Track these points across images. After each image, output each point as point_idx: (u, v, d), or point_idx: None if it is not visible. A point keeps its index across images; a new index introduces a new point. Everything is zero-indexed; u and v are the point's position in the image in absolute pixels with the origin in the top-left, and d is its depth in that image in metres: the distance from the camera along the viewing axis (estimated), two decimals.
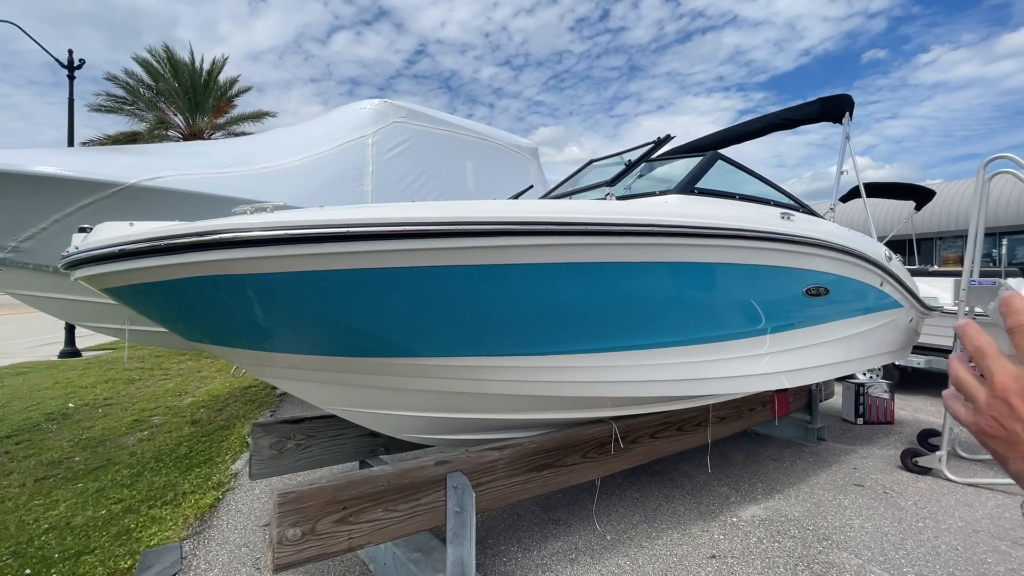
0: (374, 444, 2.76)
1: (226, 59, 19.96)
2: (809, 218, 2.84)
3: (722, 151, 2.74)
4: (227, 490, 3.38)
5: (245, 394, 6.49)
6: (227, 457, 4.06)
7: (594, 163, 3.33)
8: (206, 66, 19.03)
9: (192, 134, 19.04)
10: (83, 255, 1.57)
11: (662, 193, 2.34)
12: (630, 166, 2.59)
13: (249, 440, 2.50)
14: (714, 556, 2.58)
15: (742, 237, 2.20)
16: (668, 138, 2.65)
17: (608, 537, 2.77)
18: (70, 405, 6.38)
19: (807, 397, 4.30)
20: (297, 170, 4.64)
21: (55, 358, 10.06)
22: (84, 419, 5.70)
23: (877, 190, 6.55)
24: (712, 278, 2.26)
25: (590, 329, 2.18)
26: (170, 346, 5.49)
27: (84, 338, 11.26)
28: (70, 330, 10.18)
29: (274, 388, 6.66)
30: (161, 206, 3.61)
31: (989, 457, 3.91)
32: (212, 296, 1.72)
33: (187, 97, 18.14)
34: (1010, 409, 0.45)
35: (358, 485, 1.78)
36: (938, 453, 3.62)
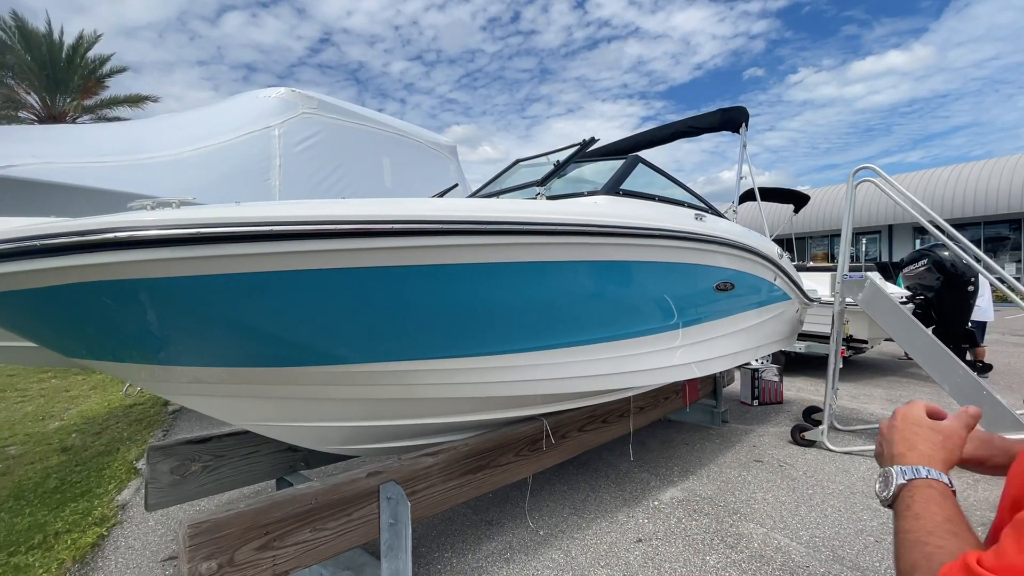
0: (292, 459, 2.55)
1: (99, 36, 17.61)
2: (717, 219, 3.09)
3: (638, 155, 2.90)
4: (113, 525, 2.95)
5: (129, 413, 5.74)
6: (110, 487, 3.56)
7: (520, 163, 3.36)
8: (70, 40, 16.63)
9: (51, 116, 16.49)
10: None
11: (591, 194, 2.41)
12: (559, 166, 2.64)
13: (141, 466, 2.20)
14: (640, 540, 2.70)
15: (665, 236, 2.33)
16: (593, 141, 2.74)
17: (541, 532, 2.80)
18: None
19: (712, 384, 4.67)
20: (191, 161, 4.17)
21: None
22: None
23: (765, 194, 7.30)
24: (634, 276, 2.37)
25: (522, 329, 2.19)
26: (29, 363, 4.71)
27: None
28: None
29: (166, 403, 5.96)
30: (19, 199, 3.07)
31: (860, 428, 4.56)
32: (100, 305, 1.48)
33: (44, 74, 15.69)
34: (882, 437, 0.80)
35: (282, 506, 1.63)
36: (820, 427, 4.11)
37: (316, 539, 1.72)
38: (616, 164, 2.69)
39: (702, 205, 3.11)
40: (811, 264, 9.21)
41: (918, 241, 21.11)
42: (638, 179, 2.68)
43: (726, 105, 4.23)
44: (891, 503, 0.69)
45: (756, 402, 5.57)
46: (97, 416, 5.71)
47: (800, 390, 6.32)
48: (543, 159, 3.01)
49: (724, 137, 4.33)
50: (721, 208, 4.10)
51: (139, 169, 3.67)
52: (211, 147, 4.42)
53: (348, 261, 1.61)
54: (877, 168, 3.80)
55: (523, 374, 2.26)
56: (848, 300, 4.19)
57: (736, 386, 5.78)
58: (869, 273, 4.10)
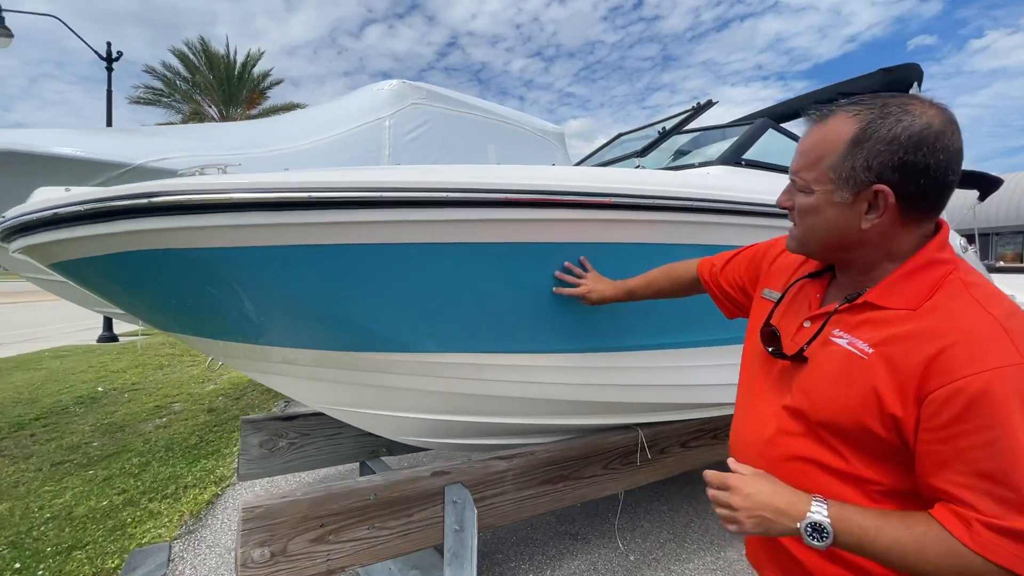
0: (375, 444, 2.53)
1: (262, 53, 20.24)
2: None
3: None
4: (227, 485, 3.23)
5: None
6: (234, 449, 3.94)
7: (623, 136, 2.99)
8: (240, 59, 19.37)
9: None
10: (11, 223, 1.36)
11: (702, 164, 2.01)
12: (664, 135, 2.25)
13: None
14: None
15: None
16: (710, 104, 2.30)
17: (632, 558, 2.47)
18: (99, 389, 6.47)
19: None
20: (310, 153, 4.46)
21: (93, 343, 10.36)
22: (110, 404, 5.75)
23: None
24: None
25: (619, 323, 1.89)
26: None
27: (124, 323, 11.59)
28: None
29: None
30: None
31: None
32: (182, 278, 1.50)
33: (221, 89, 18.46)
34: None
35: (339, 499, 1.55)
36: None
37: (374, 537, 1.61)
38: (739, 131, 2.23)
39: None
40: (1000, 264, 7.39)
41: None
42: (768, 147, 2.19)
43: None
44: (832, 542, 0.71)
45: None
46: (241, 383, 6.50)
47: None
48: (650, 130, 2.62)
49: None
50: None
51: (262, 161, 3.98)
52: (328, 139, 4.70)
53: (434, 235, 1.48)
54: None
55: (622, 377, 1.96)
56: None
57: None
58: None
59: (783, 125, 2.80)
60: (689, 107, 2.36)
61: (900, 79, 3.31)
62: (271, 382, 1.92)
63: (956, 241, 2.82)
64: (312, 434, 2.39)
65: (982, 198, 6.57)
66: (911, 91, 3.26)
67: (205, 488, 3.17)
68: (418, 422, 2.08)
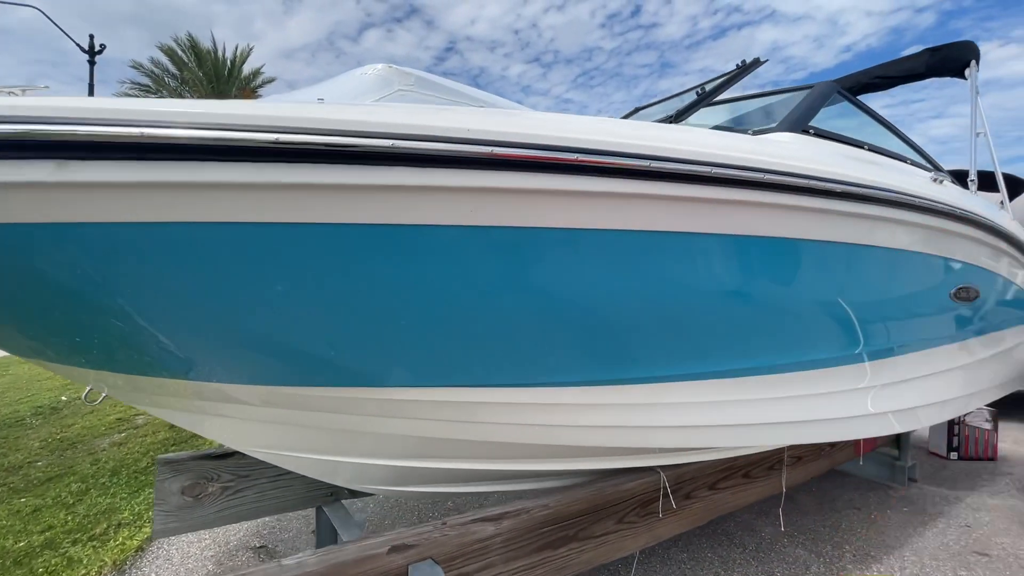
0: (332, 486, 2.06)
1: (251, 48, 19.82)
2: (959, 188, 2.02)
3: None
4: None
5: None
6: None
7: (640, 111, 2.56)
8: (229, 55, 18.89)
9: None
10: None
11: (759, 132, 1.56)
12: (703, 96, 1.81)
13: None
14: None
15: (896, 204, 1.40)
16: (758, 62, 1.86)
17: None
18: (63, 398, 5.99)
19: None
20: None
21: None
22: (70, 415, 5.28)
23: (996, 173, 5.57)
24: (836, 267, 1.48)
25: (633, 347, 1.45)
26: None
27: None
28: None
29: None
30: None
31: None
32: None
33: (211, 86, 17.97)
34: None
35: None
36: None
37: None
38: (798, 96, 1.78)
39: (930, 165, 2.05)
40: None
41: None
42: (833, 120, 1.75)
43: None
44: None
45: (955, 455, 4.11)
46: None
47: (1018, 443, 4.63)
48: (676, 100, 2.16)
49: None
50: None
51: None
52: None
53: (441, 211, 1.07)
54: None
55: (629, 417, 1.51)
56: None
57: (923, 431, 4.35)
58: None
59: None
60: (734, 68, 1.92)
61: (952, 59, 2.89)
62: (186, 422, 1.47)
63: None
64: (253, 475, 1.92)
65: (1010, 198, 6.16)
66: (967, 72, 2.84)
67: (139, 529, 2.68)
68: (384, 469, 1.63)
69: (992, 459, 4.11)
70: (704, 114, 2.12)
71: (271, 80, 20.83)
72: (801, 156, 1.32)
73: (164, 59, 17.38)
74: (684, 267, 1.38)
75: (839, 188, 1.28)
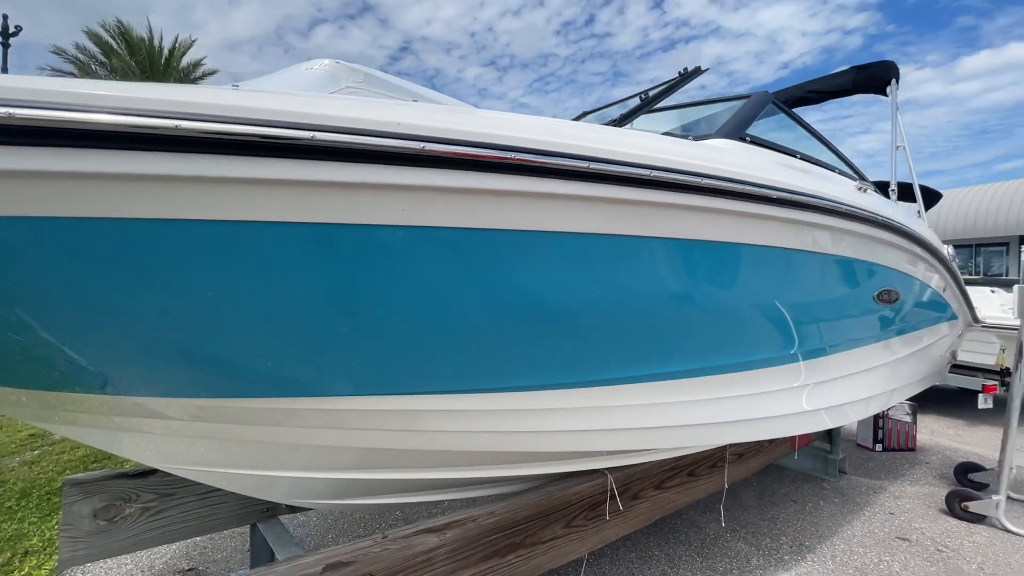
0: (268, 502, 1.94)
1: (193, 41, 18.76)
2: (881, 197, 2.15)
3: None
4: None
5: None
6: None
7: (588, 115, 2.58)
8: (168, 45, 17.80)
9: None
10: None
11: (699, 137, 1.60)
12: (646, 102, 1.84)
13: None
14: None
15: (824, 211, 1.47)
16: (699, 71, 1.91)
17: None
18: None
19: None
20: None
21: None
22: None
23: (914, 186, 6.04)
24: (771, 271, 1.53)
25: (571, 352, 1.44)
26: None
27: None
28: None
29: None
30: None
31: None
32: None
33: (144, 76, 16.85)
34: None
35: None
36: (995, 498, 2.97)
37: None
38: (735, 104, 1.84)
39: (855, 175, 2.18)
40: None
41: None
42: (768, 129, 1.83)
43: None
44: None
45: (880, 447, 4.40)
46: None
47: (935, 433, 5.01)
48: (617, 107, 2.20)
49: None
50: None
51: None
52: None
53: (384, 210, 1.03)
54: None
55: (576, 421, 1.51)
56: (994, 316, 3.03)
57: (851, 425, 4.63)
58: None
59: None
60: (676, 75, 1.96)
61: (875, 77, 3.10)
62: (101, 440, 1.34)
63: (943, 246, 2.60)
64: (179, 493, 1.77)
65: (925, 209, 6.69)
66: (888, 89, 3.06)
67: (49, 556, 2.44)
68: (324, 482, 1.55)
69: (912, 449, 4.43)
70: (651, 120, 2.17)
71: (213, 72, 19.80)
72: (738, 162, 1.37)
73: (92, 45, 16.16)
74: (628, 270, 1.39)
75: (775, 194, 1.34)
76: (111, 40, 16.15)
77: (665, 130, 2.02)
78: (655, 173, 1.15)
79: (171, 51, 17.91)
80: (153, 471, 1.73)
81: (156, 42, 17.46)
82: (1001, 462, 3.05)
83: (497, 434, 1.50)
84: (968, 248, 20.67)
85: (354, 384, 1.30)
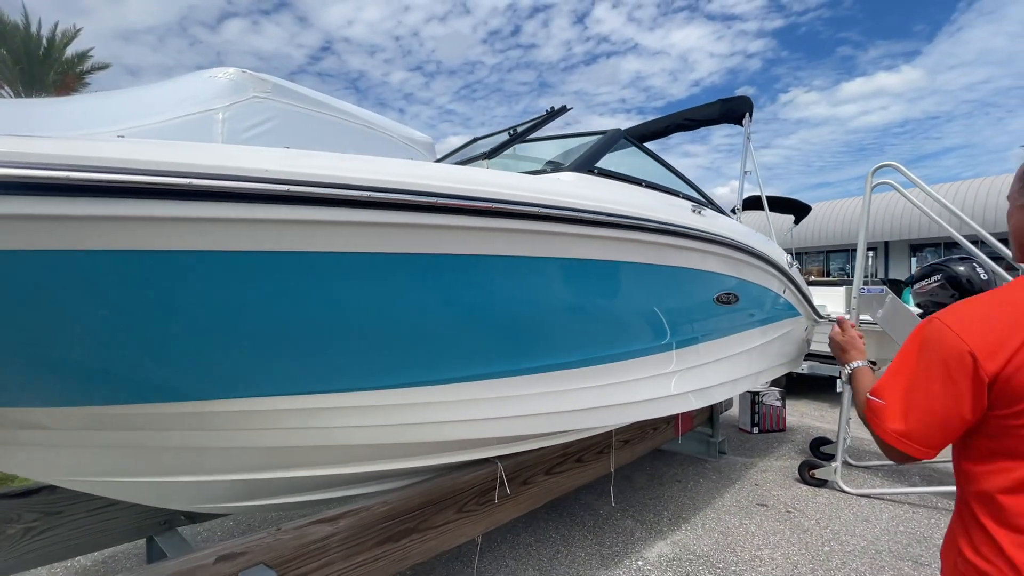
0: (168, 512, 1.96)
1: (79, 30, 17.08)
2: (718, 215, 2.56)
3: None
4: None
5: None
6: None
7: (478, 141, 2.82)
8: (47, 34, 16.08)
9: None
10: None
11: (554, 170, 1.87)
12: (513, 137, 2.10)
13: None
14: None
15: (654, 230, 1.78)
16: (564, 109, 2.21)
17: None
18: None
19: (709, 410, 4.11)
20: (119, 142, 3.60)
21: None
22: None
23: (763, 202, 6.79)
24: (616, 281, 1.83)
25: (465, 349, 1.64)
26: None
27: None
28: None
29: None
30: None
31: (877, 464, 4.01)
32: None
33: (19, 68, 15.11)
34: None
35: None
36: (832, 464, 3.56)
37: None
38: (592, 139, 2.16)
39: (699, 198, 2.58)
40: (811, 279, 8.73)
41: (914, 259, 20.77)
42: (621, 160, 2.15)
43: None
44: (847, 382, 1.33)
45: (756, 429, 5.02)
46: None
47: (803, 415, 5.77)
48: (506, 135, 2.46)
49: (719, 153, 3.81)
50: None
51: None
52: (143, 127, 3.84)
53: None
54: (900, 167, 3.30)
55: (466, 411, 1.70)
56: (865, 317, 3.67)
57: (734, 411, 5.23)
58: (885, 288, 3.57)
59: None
60: (544, 112, 2.25)
61: (734, 109, 3.62)
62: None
63: (782, 256, 3.10)
64: (67, 510, 1.76)
65: (797, 222, 7.65)
66: (743, 121, 3.58)
67: None
68: (228, 485, 1.62)
69: (783, 430, 5.09)
70: (538, 147, 2.44)
71: (104, 66, 18.13)
72: (577, 193, 1.64)
73: None
74: (510, 284, 1.62)
75: (602, 218, 1.63)
76: None
77: (549, 158, 2.30)
78: (522, 208, 1.39)
79: (51, 41, 16.20)
80: (37, 490, 1.71)
81: (33, 30, 15.73)
82: (838, 435, 3.65)
83: (394, 427, 1.65)
84: (844, 252, 23.61)
85: (247, 386, 1.40)
